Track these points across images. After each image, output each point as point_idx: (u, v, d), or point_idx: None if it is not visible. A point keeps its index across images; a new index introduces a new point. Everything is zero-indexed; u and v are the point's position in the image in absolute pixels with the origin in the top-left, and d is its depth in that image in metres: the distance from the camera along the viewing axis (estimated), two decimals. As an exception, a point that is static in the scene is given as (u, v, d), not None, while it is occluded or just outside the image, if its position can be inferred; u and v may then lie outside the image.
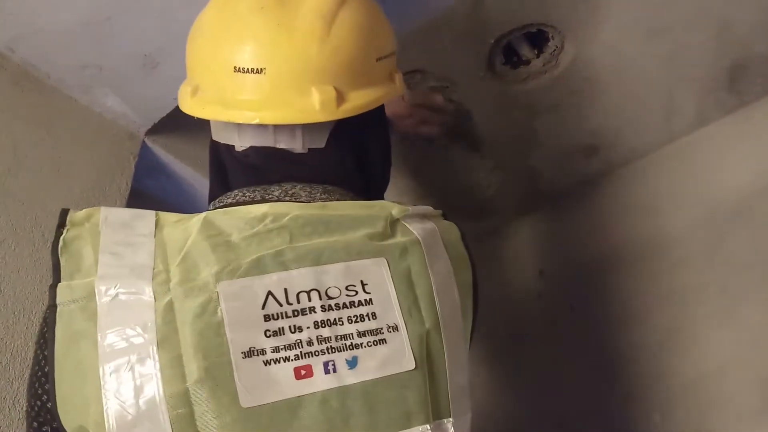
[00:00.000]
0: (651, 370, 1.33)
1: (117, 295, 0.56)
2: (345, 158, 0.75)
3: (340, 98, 0.68)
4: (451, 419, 0.62)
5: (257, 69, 0.67)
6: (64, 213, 0.63)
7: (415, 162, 1.53)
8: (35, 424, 0.58)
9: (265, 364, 0.56)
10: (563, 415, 1.43)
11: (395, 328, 0.62)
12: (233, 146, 0.74)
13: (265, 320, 0.58)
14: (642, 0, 1.17)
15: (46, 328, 0.57)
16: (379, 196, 0.75)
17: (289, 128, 0.71)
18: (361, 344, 0.60)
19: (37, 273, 0.90)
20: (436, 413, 0.61)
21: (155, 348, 0.54)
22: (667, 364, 1.32)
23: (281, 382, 0.56)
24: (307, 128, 0.71)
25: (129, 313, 0.55)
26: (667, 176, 1.51)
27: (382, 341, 0.61)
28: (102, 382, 0.53)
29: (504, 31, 1.21)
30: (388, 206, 0.70)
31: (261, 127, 0.71)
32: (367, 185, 0.78)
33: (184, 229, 0.63)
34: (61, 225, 0.62)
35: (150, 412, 0.52)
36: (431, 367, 0.63)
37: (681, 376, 1.29)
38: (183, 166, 1.21)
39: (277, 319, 0.58)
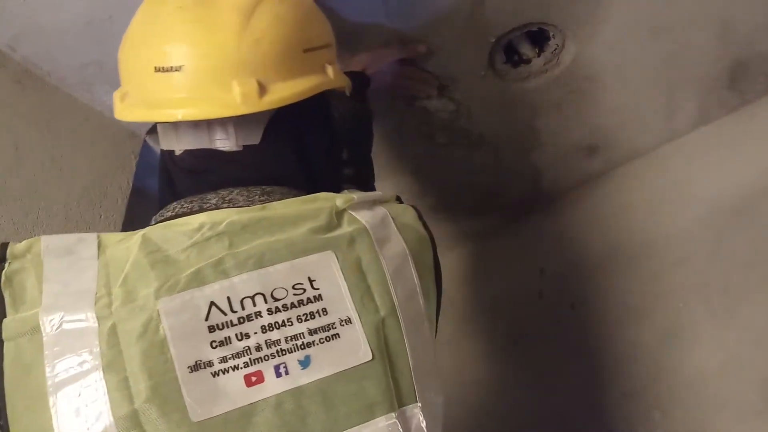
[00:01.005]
0: (651, 369, 1.33)
1: (61, 324, 0.55)
2: (283, 153, 0.74)
3: (263, 90, 0.67)
4: (418, 404, 0.61)
5: (176, 67, 0.66)
6: (4, 247, 0.60)
7: (415, 160, 1.54)
8: None
9: (213, 376, 0.55)
10: (564, 413, 1.43)
11: (348, 320, 0.60)
12: (174, 152, 0.73)
13: (210, 331, 0.57)
14: (644, -2, 1.17)
15: None
16: (326, 190, 0.72)
17: (222, 126, 0.70)
18: (313, 342, 0.59)
19: (38, 271, 0.90)
20: (399, 400, 0.60)
21: (101, 373, 0.53)
22: (667, 363, 1.32)
23: (231, 392, 0.55)
24: (240, 125, 0.70)
25: (74, 341, 0.55)
26: (668, 175, 1.51)
27: (335, 336, 0.60)
28: (52, 412, 0.52)
29: (505, 30, 1.21)
30: (332, 197, 0.69)
31: (196, 128, 0.70)
32: (311, 179, 0.76)
33: (126, 248, 0.61)
34: (2, 259, 0.59)
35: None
36: (391, 355, 0.61)
37: (681, 375, 1.29)
38: (184, 164, 1.22)
39: (223, 328, 0.57)
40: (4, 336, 0.55)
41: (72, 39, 0.99)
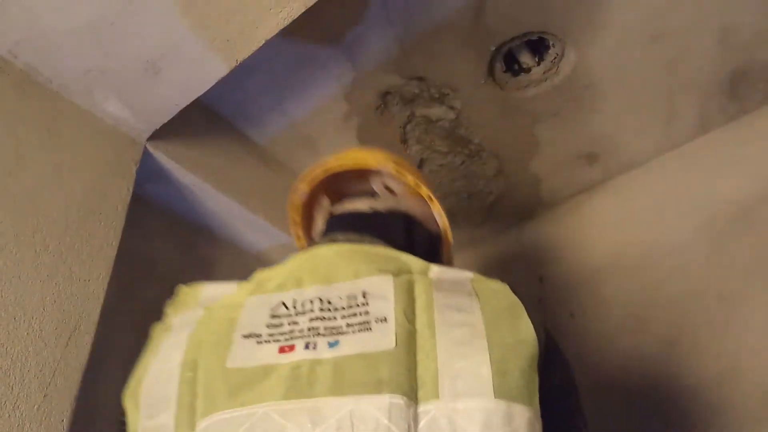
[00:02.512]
0: (651, 377, 1.33)
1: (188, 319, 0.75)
2: (397, 229, 0.92)
3: (392, 192, 0.99)
4: (440, 401, 0.61)
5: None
6: (176, 288, 0.81)
7: (415, 168, 1.54)
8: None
9: (258, 344, 0.68)
10: (563, 422, 1.43)
11: (384, 320, 0.67)
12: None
13: (271, 317, 0.70)
14: (643, 6, 1.18)
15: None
16: None
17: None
18: (347, 332, 0.67)
19: (37, 278, 0.90)
20: (416, 394, 0.61)
21: (187, 335, 0.71)
22: (666, 371, 1.32)
23: (265, 354, 0.67)
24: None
25: (187, 324, 0.73)
26: (667, 183, 1.52)
27: (368, 329, 0.67)
28: (152, 357, 0.71)
29: (505, 39, 1.22)
30: (411, 261, 0.78)
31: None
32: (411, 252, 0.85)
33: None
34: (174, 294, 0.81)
35: (169, 374, 0.68)
36: (418, 355, 0.64)
37: (681, 383, 1.29)
38: (184, 171, 1.21)
39: (281, 317, 0.70)
40: (168, 319, 0.77)
41: (73, 45, 0.99)
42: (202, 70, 1.03)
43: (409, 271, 0.76)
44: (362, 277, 0.73)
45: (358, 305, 0.70)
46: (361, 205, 0.95)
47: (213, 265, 1.38)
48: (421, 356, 0.64)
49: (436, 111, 1.36)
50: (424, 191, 0.97)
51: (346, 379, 0.62)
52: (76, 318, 0.93)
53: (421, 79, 1.30)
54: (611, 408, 1.35)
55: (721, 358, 1.27)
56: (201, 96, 1.07)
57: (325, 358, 0.64)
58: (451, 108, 1.36)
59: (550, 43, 1.25)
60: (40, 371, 0.86)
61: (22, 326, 0.86)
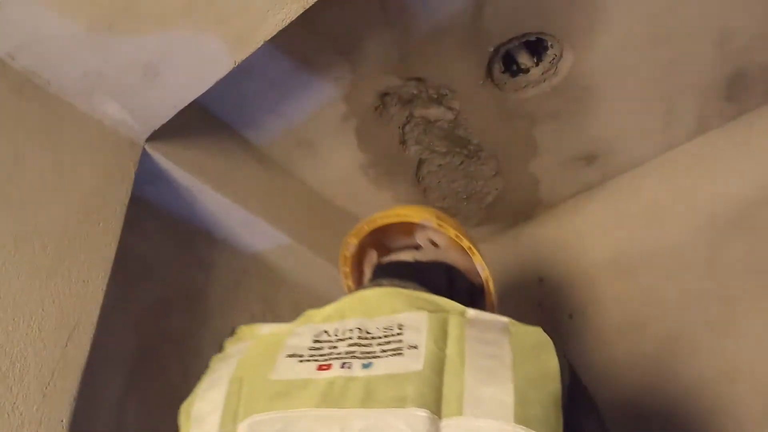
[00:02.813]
0: (650, 378, 1.33)
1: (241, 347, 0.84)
2: (439, 277, 0.99)
3: (435, 245, 1.06)
4: (463, 416, 0.65)
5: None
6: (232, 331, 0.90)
7: (414, 169, 1.54)
8: None
9: (299, 362, 0.75)
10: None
11: (415, 347, 0.73)
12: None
13: (313, 342, 0.78)
14: (642, 8, 1.18)
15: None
16: None
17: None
18: (381, 356, 0.73)
19: (36, 279, 0.90)
20: (446, 410, 0.66)
21: (237, 358, 0.80)
22: (665, 372, 1.32)
23: (305, 370, 0.74)
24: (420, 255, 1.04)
25: (239, 351, 0.83)
26: (666, 184, 1.52)
27: (399, 354, 0.73)
28: (205, 379, 0.81)
29: (503, 40, 1.22)
30: (449, 304, 0.83)
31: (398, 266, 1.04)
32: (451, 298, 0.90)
33: None
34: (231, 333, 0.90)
35: (218, 388, 0.76)
36: (445, 378, 0.70)
37: (680, 384, 1.29)
38: (183, 173, 1.21)
39: (322, 342, 0.78)
40: (225, 351, 0.86)
41: (72, 49, 0.99)
42: (200, 72, 1.03)
43: (446, 311, 0.82)
44: (400, 312, 0.81)
45: (393, 335, 0.77)
46: (405, 256, 1.04)
47: (211, 267, 1.38)
48: (447, 378, 0.70)
49: (435, 111, 1.37)
50: (466, 243, 1.04)
51: (375, 395, 0.69)
52: (75, 319, 0.93)
53: (419, 79, 1.30)
54: (609, 409, 1.35)
55: (720, 360, 1.27)
56: (199, 98, 1.08)
57: (358, 376, 0.71)
58: (450, 108, 1.36)
59: (549, 44, 1.25)
60: (40, 372, 0.86)
61: (21, 327, 0.87)
